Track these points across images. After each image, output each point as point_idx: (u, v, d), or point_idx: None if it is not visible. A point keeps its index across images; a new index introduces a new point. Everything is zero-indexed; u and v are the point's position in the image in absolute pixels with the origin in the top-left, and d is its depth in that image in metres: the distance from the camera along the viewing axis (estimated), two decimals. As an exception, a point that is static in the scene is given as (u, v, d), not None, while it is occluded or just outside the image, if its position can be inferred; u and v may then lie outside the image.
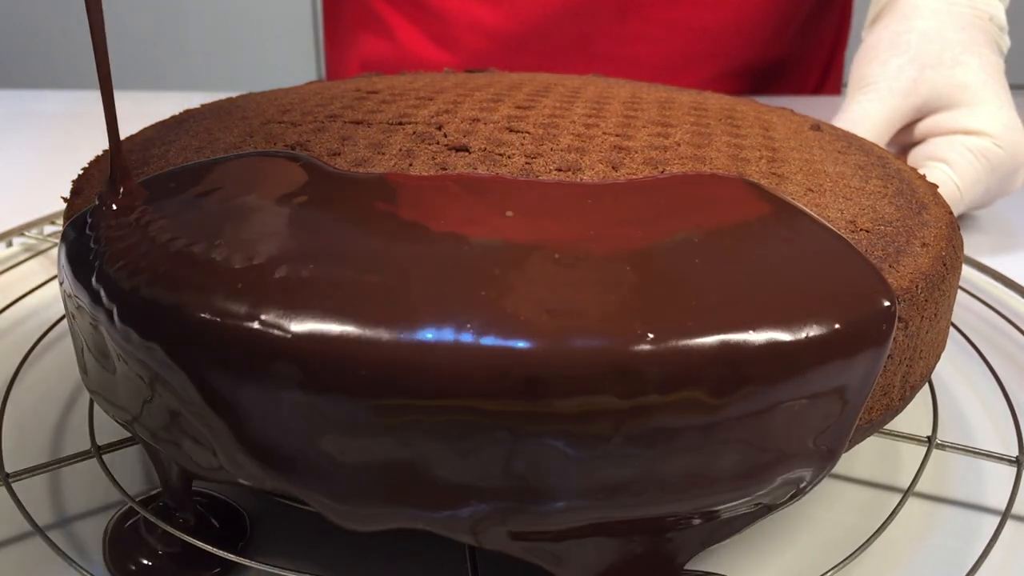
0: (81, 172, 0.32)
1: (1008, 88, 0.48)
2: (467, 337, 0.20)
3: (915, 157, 0.48)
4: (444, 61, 0.73)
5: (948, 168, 0.46)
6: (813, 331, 0.22)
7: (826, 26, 0.78)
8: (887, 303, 0.23)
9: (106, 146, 0.35)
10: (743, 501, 0.23)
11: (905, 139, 0.50)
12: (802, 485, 0.23)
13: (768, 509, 0.24)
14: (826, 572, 0.25)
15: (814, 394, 0.22)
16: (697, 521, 0.23)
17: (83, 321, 0.25)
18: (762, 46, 0.73)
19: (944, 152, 0.46)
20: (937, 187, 0.33)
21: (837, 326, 0.22)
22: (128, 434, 0.30)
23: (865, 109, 0.48)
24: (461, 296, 0.21)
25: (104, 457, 0.29)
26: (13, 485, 0.28)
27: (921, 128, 0.49)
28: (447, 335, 0.20)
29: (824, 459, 0.23)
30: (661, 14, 0.69)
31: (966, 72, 0.47)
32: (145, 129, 0.36)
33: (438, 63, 0.73)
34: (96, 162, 0.33)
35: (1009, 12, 0.53)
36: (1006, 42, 0.52)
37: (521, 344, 0.20)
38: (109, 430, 0.31)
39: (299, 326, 0.21)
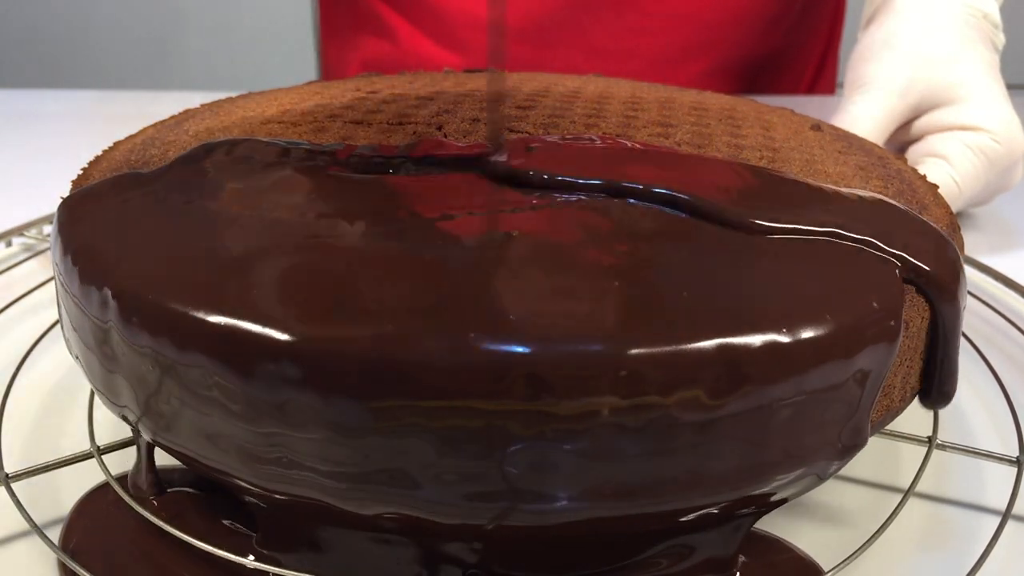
0: (81, 172, 0.32)
1: (1004, 84, 0.48)
2: (467, 338, 0.20)
3: (913, 155, 0.48)
4: (445, 58, 0.73)
5: (946, 164, 0.46)
6: (832, 328, 0.22)
7: (820, 20, 0.78)
8: (898, 296, 0.23)
9: (105, 146, 0.35)
10: (769, 494, 0.23)
11: (903, 137, 0.50)
12: (818, 479, 0.24)
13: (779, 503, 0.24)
14: (826, 572, 0.25)
15: (835, 387, 0.22)
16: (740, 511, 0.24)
17: (69, 304, 0.25)
18: (758, 37, 0.74)
19: (942, 148, 0.46)
20: (937, 187, 0.33)
21: (857, 321, 0.22)
22: (128, 434, 0.30)
23: (862, 109, 0.48)
24: (460, 297, 0.21)
25: (104, 457, 0.29)
26: (13, 485, 0.28)
27: (918, 126, 0.49)
28: (448, 336, 0.20)
29: (843, 453, 0.24)
30: (658, 6, 0.70)
31: (961, 69, 0.47)
32: (145, 129, 0.36)
33: (439, 60, 0.73)
34: (96, 162, 0.33)
35: (1005, 11, 0.53)
36: (1001, 39, 0.52)
37: (521, 346, 0.20)
38: (109, 430, 0.31)
39: (299, 327, 0.21)
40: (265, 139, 0.31)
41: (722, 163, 0.30)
